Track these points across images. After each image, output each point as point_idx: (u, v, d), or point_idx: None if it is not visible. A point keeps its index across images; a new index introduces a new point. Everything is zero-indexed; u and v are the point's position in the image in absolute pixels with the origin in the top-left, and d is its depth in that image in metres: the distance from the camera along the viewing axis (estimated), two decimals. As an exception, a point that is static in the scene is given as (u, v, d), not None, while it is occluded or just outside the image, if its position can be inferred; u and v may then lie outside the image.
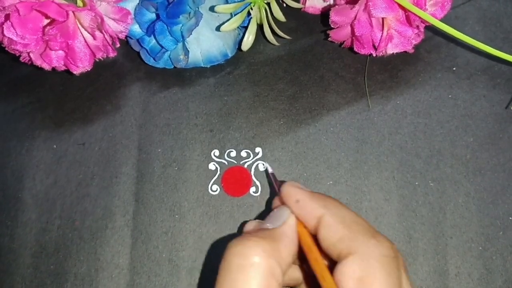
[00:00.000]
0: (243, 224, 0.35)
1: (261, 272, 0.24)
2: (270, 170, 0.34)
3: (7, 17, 0.33)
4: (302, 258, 0.30)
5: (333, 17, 0.35)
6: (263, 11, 0.38)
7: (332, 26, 0.36)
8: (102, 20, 0.34)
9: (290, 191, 0.29)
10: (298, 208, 0.28)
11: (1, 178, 0.39)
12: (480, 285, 0.35)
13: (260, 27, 0.39)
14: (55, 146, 0.39)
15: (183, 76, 0.41)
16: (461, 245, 0.36)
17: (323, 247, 0.27)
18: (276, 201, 0.31)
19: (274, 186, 0.33)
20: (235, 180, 0.38)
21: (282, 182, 0.29)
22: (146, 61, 0.39)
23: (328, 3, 0.39)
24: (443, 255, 0.36)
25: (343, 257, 0.25)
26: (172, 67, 0.40)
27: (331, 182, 0.38)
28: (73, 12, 0.34)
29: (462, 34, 0.34)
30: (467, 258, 0.35)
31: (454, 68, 0.40)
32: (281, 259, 0.25)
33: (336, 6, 0.35)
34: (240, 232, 0.37)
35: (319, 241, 0.27)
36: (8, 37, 0.33)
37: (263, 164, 0.38)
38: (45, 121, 0.40)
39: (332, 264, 0.26)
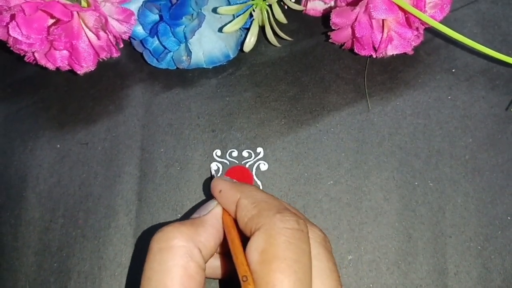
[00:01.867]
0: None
1: (179, 253, 0.26)
2: (213, 172, 0.37)
3: (12, 17, 0.33)
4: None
5: (334, 18, 0.36)
6: (265, 13, 0.38)
7: (333, 28, 0.37)
8: (106, 20, 0.34)
9: (215, 184, 0.31)
10: (221, 197, 0.30)
11: (5, 177, 0.39)
12: (479, 283, 0.35)
13: (261, 28, 0.40)
14: (58, 145, 0.40)
15: (185, 77, 0.41)
16: (460, 244, 0.36)
17: (241, 229, 0.28)
18: None
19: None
20: (237, 179, 0.38)
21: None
22: (149, 62, 0.40)
23: (329, 5, 0.40)
24: (442, 254, 0.36)
25: (251, 233, 0.26)
26: (175, 68, 0.40)
27: (331, 182, 0.38)
28: (77, 12, 0.34)
29: (461, 35, 0.35)
30: (466, 257, 0.36)
31: (453, 70, 0.41)
32: (200, 243, 0.27)
33: (337, 8, 0.36)
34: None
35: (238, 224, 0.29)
36: (14, 37, 0.33)
37: (216, 165, 0.38)
38: (49, 121, 0.41)
39: None
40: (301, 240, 0.25)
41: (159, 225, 0.37)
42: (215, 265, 0.32)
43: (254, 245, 0.26)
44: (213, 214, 0.30)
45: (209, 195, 0.38)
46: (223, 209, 0.30)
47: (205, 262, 0.28)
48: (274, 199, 0.28)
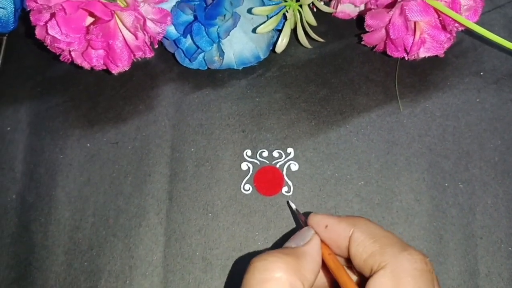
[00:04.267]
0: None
1: (282, 287, 0.25)
2: (293, 206, 0.36)
3: (52, 15, 0.33)
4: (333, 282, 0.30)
5: (369, 20, 0.36)
6: (297, 14, 0.38)
7: (367, 30, 0.37)
8: (145, 20, 0.35)
9: (318, 219, 0.29)
10: (328, 232, 0.28)
11: (35, 176, 0.39)
12: (510, 284, 0.35)
13: (292, 30, 0.40)
14: (88, 144, 0.40)
15: (215, 78, 0.41)
16: (491, 245, 0.36)
17: (355, 265, 0.27)
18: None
19: (299, 220, 0.34)
20: (267, 179, 0.38)
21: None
22: (180, 62, 0.40)
23: (358, 8, 0.40)
24: (474, 255, 0.36)
25: (374, 271, 0.25)
26: (206, 68, 0.40)
27: (362, 182, 0.38)
28: (115, 11, 0.34)
29: (499, 37, 0.35)
30: (497, 258, 0.36)
31: (481, 73, 0.41)
32: (303, 277, 0.26)
33: (372, 10, 0.36)
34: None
35: (351, 259, 0.27)
36: (52, 35, 0.34)
37: (288, 202, 0.37)
38: (79, 120, 0.41)
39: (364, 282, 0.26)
40: (430, 283, 0.24)
41: (190, 223, 0.37)
42: None
43: (380, 285, 0.24)
44: (312, 246, 0.28)
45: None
46: (323, 244, 0.29)
47: None
48: (393, 234, 0.27)
